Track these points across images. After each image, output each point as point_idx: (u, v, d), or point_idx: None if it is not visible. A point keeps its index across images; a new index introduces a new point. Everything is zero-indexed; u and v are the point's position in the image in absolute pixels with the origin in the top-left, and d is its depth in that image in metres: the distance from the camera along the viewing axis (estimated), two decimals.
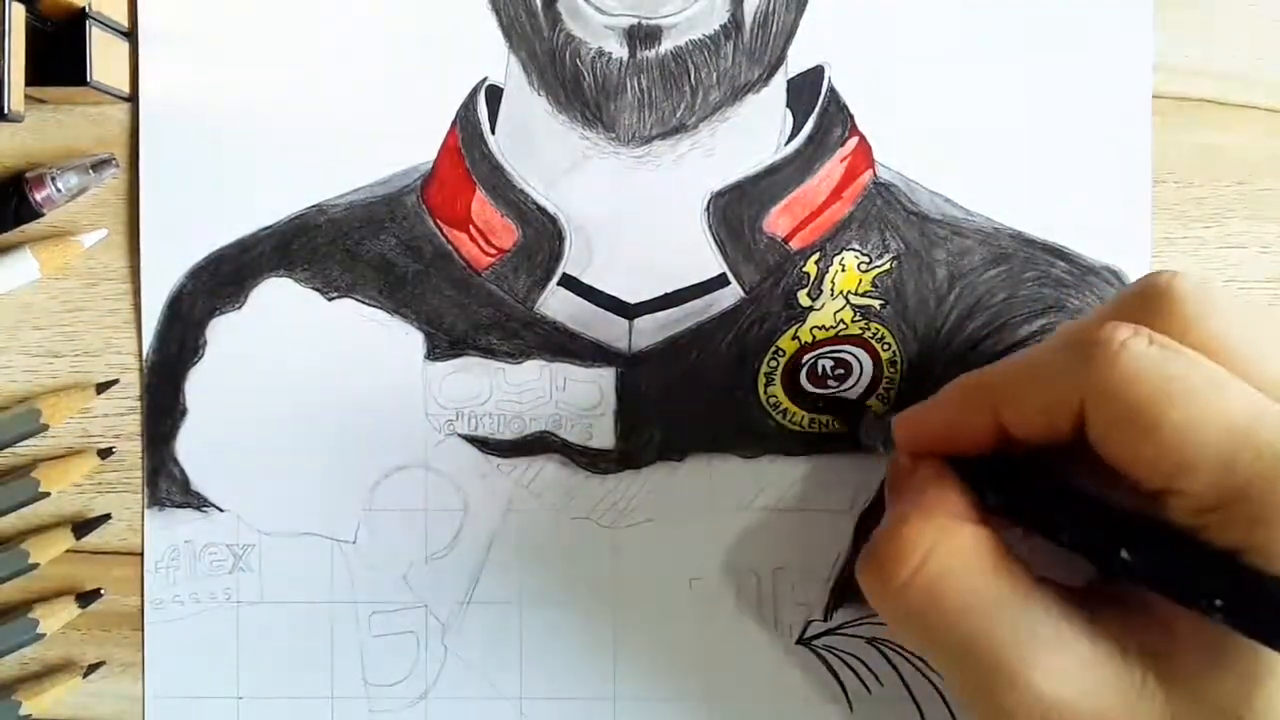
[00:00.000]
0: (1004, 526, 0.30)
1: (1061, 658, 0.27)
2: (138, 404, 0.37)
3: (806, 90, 0.36)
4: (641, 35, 0.36)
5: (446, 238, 0.37)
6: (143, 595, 0.37)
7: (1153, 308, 0.27)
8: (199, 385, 0.36)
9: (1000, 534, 0.29)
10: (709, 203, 0.36)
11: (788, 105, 0.36)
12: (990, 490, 0.30)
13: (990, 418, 0.30)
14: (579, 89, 0.36)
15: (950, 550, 0.28)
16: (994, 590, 0.28)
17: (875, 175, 0.36)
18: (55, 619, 0.36)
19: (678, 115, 0.36)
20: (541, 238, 0.36)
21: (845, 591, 0.36)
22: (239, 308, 0.37)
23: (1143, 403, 0.26)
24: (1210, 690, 0.25)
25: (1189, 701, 0.26)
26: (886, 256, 0.36)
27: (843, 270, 0.36)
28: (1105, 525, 0.27)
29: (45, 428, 0.36)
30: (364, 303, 0.37)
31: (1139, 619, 0.27)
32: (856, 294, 0.36)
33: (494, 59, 0.37)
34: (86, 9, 0.34)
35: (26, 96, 0.33)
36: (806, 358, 0.36)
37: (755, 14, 0.36)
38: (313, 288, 0.37)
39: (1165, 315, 0.27)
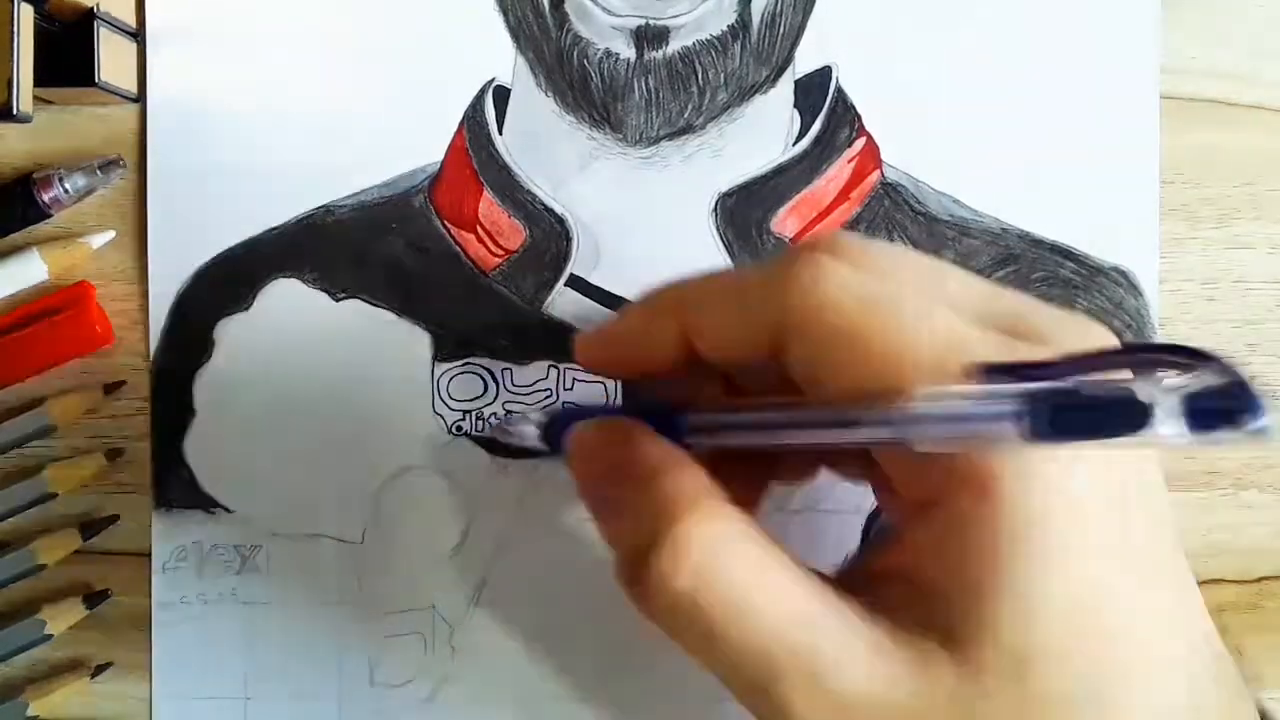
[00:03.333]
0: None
1: (848, 647, 0.25)
2: (146, 405, 0.37)
3: (814, 91, 0.36)
4: (649, 36, 0.36)
5: (454, 238, 0.37)
6: (150, 596, 0.37)
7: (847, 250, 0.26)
8: (207, 386, 0.36)
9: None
10: (716, 203, 0.36)
11: (795, 106, 0.36)
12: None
13: (676, 330, 0.27)
14: (586, 90, 0.36)
15: (719, 545, 0.25)
16: (770, 586, 0.25)
17: (883, 176, 0.36)
18: (63, 620, 0.36)
19: (685, 116, 0.36)
20: (549, 238, 0.36)
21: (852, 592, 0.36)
22: (247, 309, 0.37)
23: (845, 324, 0.25)
24: (991, 641, 0.24)
25: (975, 658, 0.24)
26: None
27: None
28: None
29: (53, 429, 0.36)
30: (372, 304, 0.37)
31: (905, 591, 0.26)
32: None
33: (501, 59, 0.37)
34: (94, 9, 0.34)
35: (34, 97, 0.33)
36: None
37: (763, 15, 0.36)
38: (320, 288, 0.37)
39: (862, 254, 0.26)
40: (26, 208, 0.35)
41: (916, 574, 0.26)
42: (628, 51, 0.36)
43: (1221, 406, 0.19)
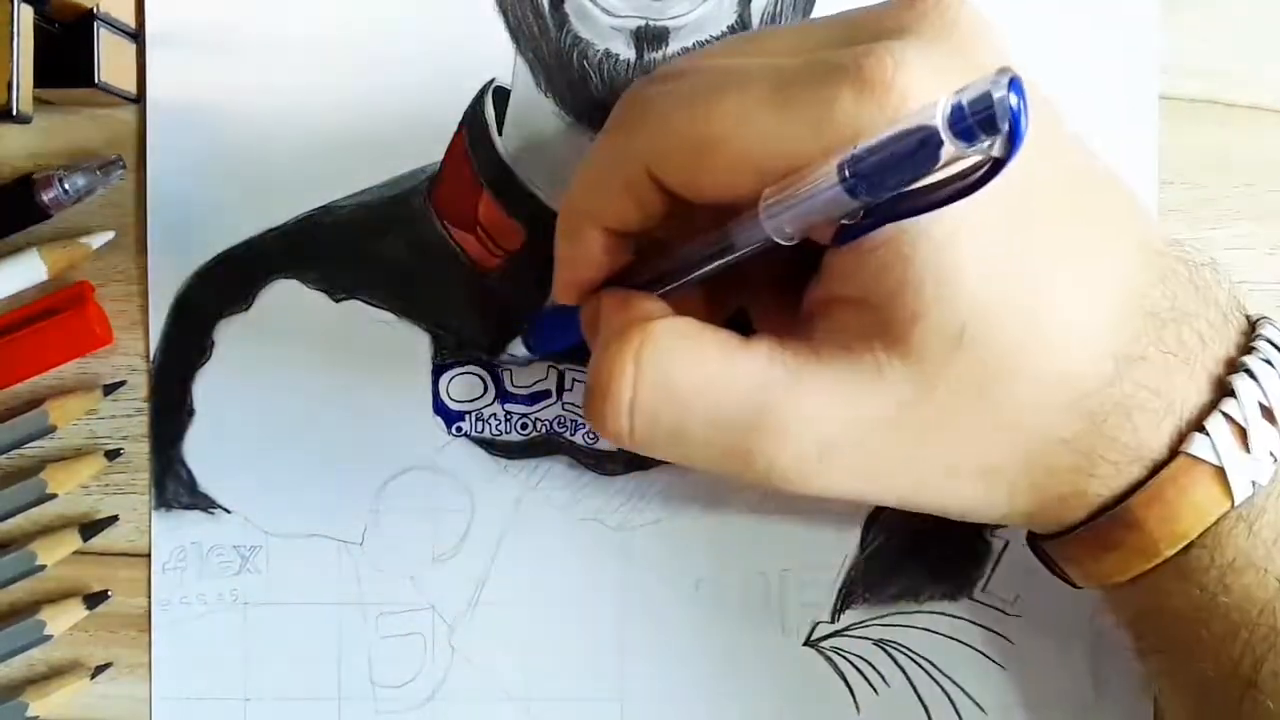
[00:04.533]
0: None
1: (805, 391, 0.26)
2: (145, 405, 0.37)
3: None
4: (649, 37, 0.36)
5: (454, 239, 0.37)
6: (150, 597, 0.37)
7: (921, 23, 0.26)
8: (207, 387, 0.36)
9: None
10: None
11: None
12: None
13: (597, 229, 0.29)
14: (586, 90, 0.36)
15: (656, 346, 0.27)
16: (715, 359, 0.27)
17: None
18: (62, 620, 0.36)
19: None
20: (549, 239, 0.36)
21: (852, 593, 0.36)
22: (246, 309, 0.37)
23: (682, 137, 0.26)
24: (923, 327, 0.25)
25: (916, 346, 0.25)
26: None
27: None
28: None
29: (53, 429, 0.36)
30: (371, 304, 0.37)
31: (843, 315, 0.26)
32: None
33: (501, 60, 0.37)
34: (94, 10, 0.34)
35: (34, 98, 0.33)
36: None
37: (762, 15, 0.36)
38: (320, 289, 0.37)
39: (939, 33, 0.26)
40: (26, 208, 0.35)
41: (850, 295, 0.26)
42: (627, 52, 0.36)
43: (981, 114, 0.20)
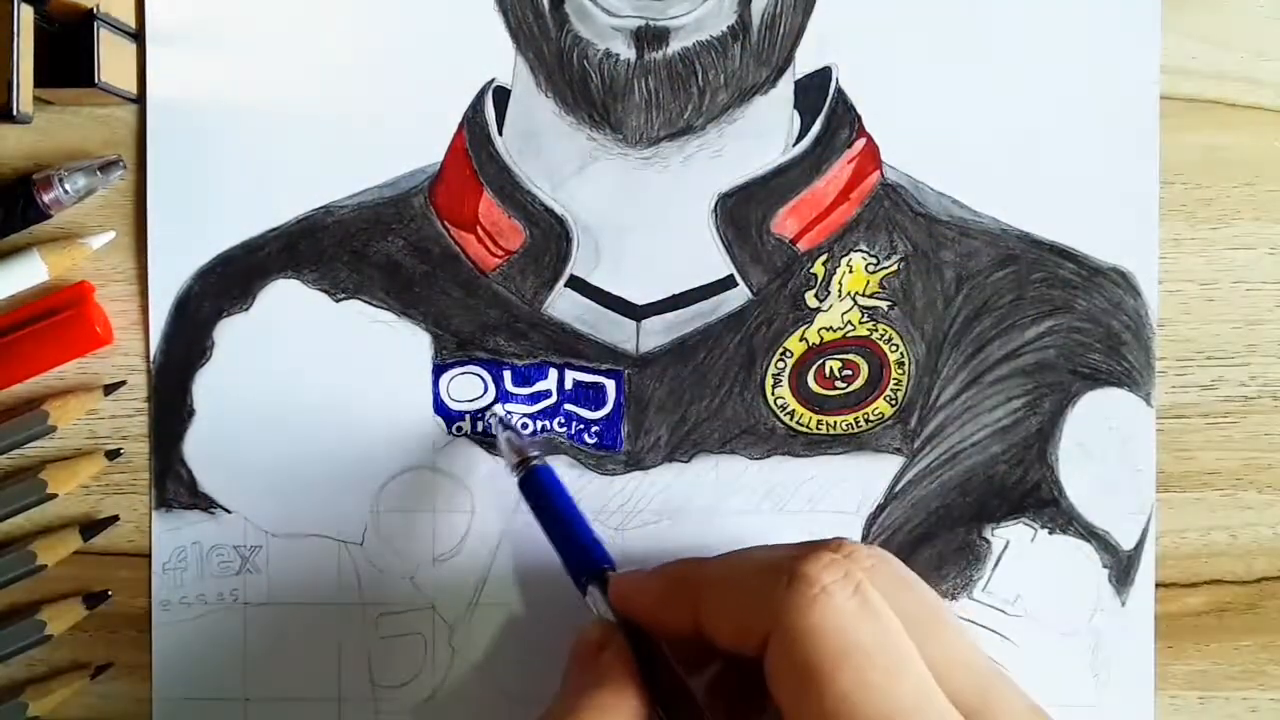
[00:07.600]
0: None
1: None
2: (145, 405, 0.37)
3: (814, 92, 0.36)
4: (649, 37, 0.36)
5: (454, 239, 0.37)
6: (150, 597, 0.37)
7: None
8: (207, 387, 0.36)
9: None
10: (716, 204, 0.36)
11: (795, 107, 0.36)
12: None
13: (690, 612, 0.29)
14: (586, 90, 0.36)
15: None
16: None
17: (883, 176, 0.36)
18: (63, 620, 0.36)
19: (685, 117, 0.36)
20: (549, 239, 0.36)
21: None
22: (246, 309, 0.37)
23: (819, 660, 0.25)
24: None
25: None
26: (894, 258, 0.36)
27: (850, 271, 0.36)
28: None
29: (53, 429, 0.36)
30: (371, 304, 0.37)
31: None
32: (864, 295, 0.36)
33: (501, 60, 0.37)
34: (94, 10, 0.34)
35: (34, 97, 0.33)
36: (814, 359, 0.36)
37: (762, 15, 0.36)
38: (320, 289, 0.37)
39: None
40: (26, 208, 0.35)
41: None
42: (628, 52, 0.36)
43: None
